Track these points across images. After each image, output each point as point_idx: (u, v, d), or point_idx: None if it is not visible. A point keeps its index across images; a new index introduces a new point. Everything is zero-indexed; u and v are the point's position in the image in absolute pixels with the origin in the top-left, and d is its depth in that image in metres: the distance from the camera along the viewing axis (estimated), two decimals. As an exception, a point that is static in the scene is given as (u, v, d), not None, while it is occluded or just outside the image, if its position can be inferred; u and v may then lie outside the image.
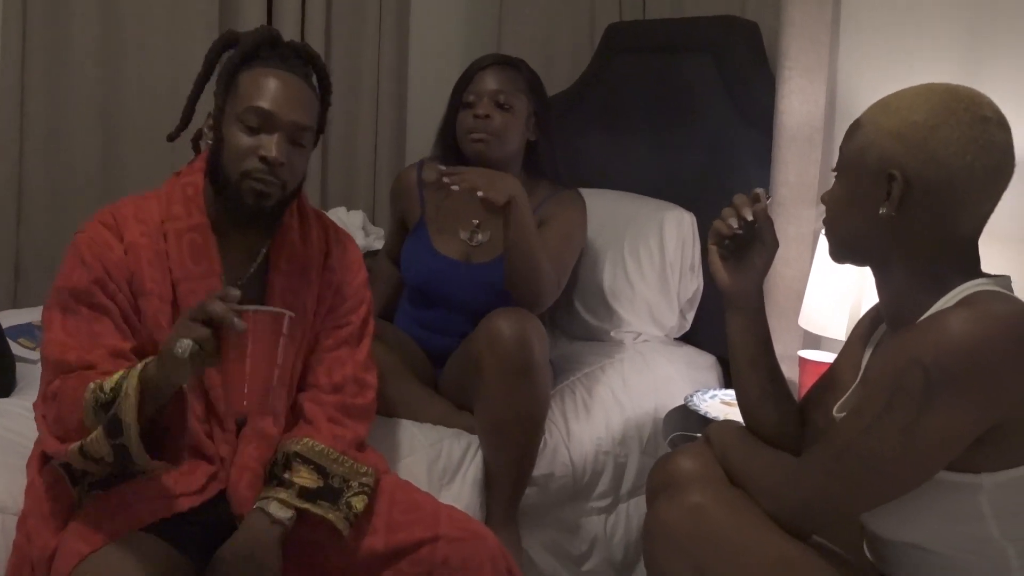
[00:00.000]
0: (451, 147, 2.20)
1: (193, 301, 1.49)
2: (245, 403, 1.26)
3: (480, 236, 2.15)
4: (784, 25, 2.16)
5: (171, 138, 1.61)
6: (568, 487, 2.13)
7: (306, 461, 1.51)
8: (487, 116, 2.10)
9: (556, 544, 2.13)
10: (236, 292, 1.27)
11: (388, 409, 1.97)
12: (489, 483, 1.98)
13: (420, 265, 2.19)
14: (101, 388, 1.33)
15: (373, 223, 3.21)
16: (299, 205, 1.66)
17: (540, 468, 2.04)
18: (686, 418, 2.09)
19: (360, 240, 2.90)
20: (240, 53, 1.54)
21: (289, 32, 3.00)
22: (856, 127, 1.30)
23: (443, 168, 2.02)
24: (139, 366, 1.32)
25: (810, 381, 1.91)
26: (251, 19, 2.93)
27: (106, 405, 1.32)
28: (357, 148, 3.25)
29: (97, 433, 1.31)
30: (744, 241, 1.47)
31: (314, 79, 1.61)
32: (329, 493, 1.50)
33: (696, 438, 1.94)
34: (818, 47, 2.14)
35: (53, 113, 2.73)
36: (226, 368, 1.26)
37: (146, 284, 1.50)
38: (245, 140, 1.49)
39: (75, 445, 1.34)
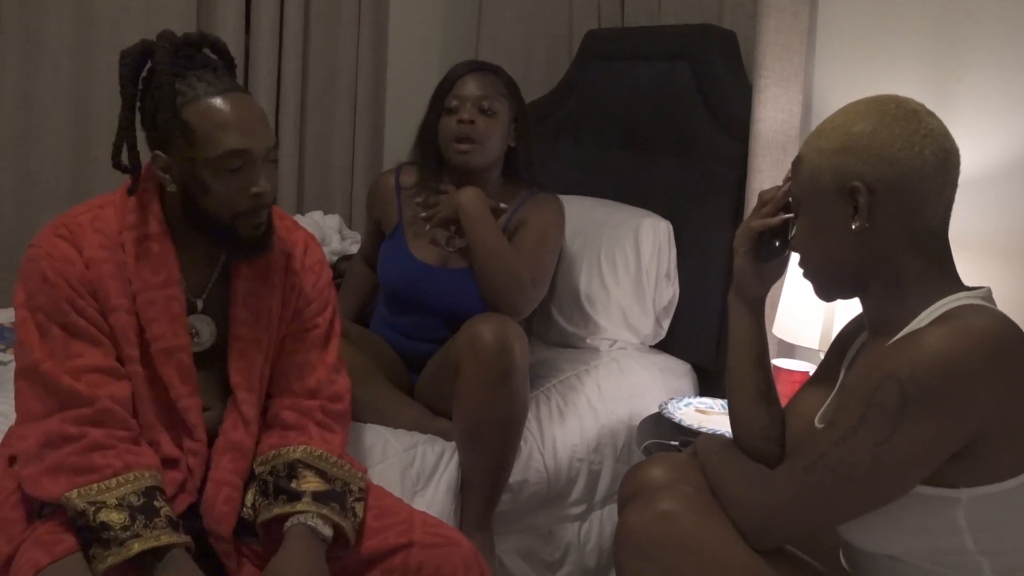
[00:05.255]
0: (432, 153, 2.20)
1: (152, 311, 1.47)
2: None
3: (457, 241, 2.15)
4: (760, 34, 2.17)
5: (131, 192, 1.49)
6: (542, 494, 2.12)
7: (308, 467, 1.49)
8: (472, 122, 2.10)
9: (529, 550, 2.12)
10: None
11: (361, 414, 1.96)
12: (464, 488, 1.97)
13: (397, 270, 2.18)
14: (91, 516, 1.32)
15: (350, 227, 3.19)
16: None
17: (514, 475, 2.03)
18: (660, 425, 2.09)
19: (336, 244, 2.88)
20: (163, 84, 1.40)
21: (266, 35, 2.99)
22: (799, 161, 1.31)
23: (419, 201, 2.16)
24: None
25: (784, 389, 1.92)
26: (228, 19, 2.91)
27: (91, 530, 1.32)
28: (334, 151, 3.24)
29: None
30: (765, 242, 1.45)
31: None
32: (335, 498, 1.47)
33: (670, 446, 1.94)
34: (793, 56, 2.16)
35: (25, 113, 2.70)
36: None
37: (111, 299, 1.45)
38: (231, 184, 1.43)
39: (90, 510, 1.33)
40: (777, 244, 1.44)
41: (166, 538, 1.32)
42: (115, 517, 1.31)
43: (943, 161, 1.23)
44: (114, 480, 1.35)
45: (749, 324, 1.48)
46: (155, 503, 1.35)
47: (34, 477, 1.36)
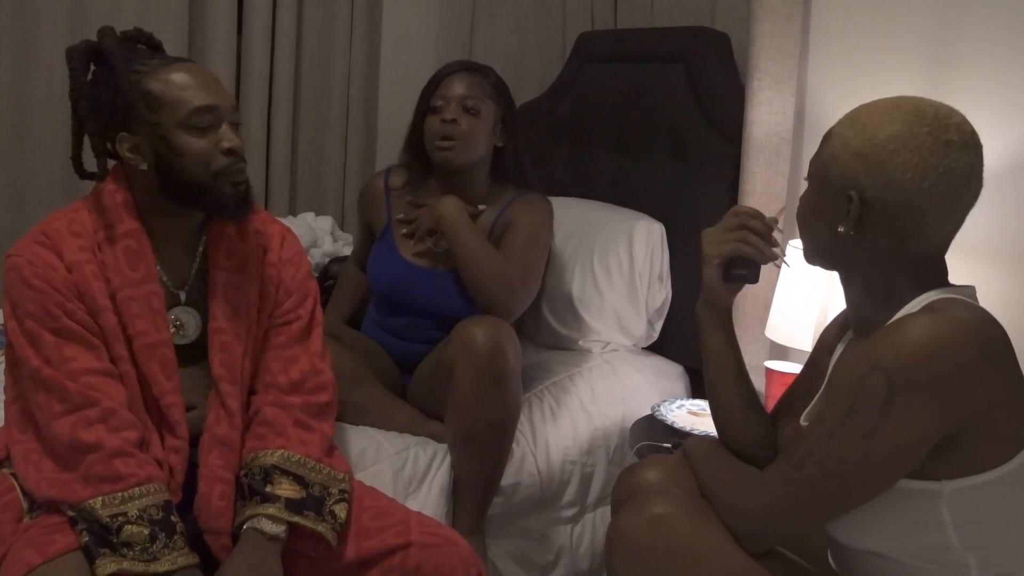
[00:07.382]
0: (418, 154, 2.20)
1: (133, 307, 1.48)
2: None
3: (444, 242, 2.15)
4: (754, 37, 2.18)
5: (100, 178, 1.52)
6: (535, 496, 2.12)
7: (285, 473, 1.48)
8: (454, 120, 2.10)
9: (522, 553, 2.12)
10: None
11: (354, 416, 1.96)
12: (457, 491, 1.97)
13: (386, 271, 2.18)
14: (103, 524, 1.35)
15: (342, 229, 3.19)
16: None
17: (507, 477, 2.03)
18: (653, 428, 2.09)
19: (328, 246, 2.88)
20: (118, 63, 1.48)
21: (259, 37, 2.99)
22: (827, 138, 1.30)
23: (401, 216, 2.18)
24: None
25: (777, 392, 1.92)
26: (221, 22, 2.90)
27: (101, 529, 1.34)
28: (326, 154, 3.24)
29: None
30: (737, 263, 1.45)
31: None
32: (312, 503, 1.47)
33: (663, 448, 1.94)
34: (787, 59, 2.16)
35: (18, 112, 2.69)
36: None
37: (98, 300, 1.46)
38: (203, 142, 1.47)
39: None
40: (747, 272, 1.44)
41: (183, 560, 1.36)
42: (136, 533, 1.34)
43: (951, 202, 1.21)
44: (137, 490, 1.37)
45: (722, 335, 1.47)
46: (172, 518, 1.38)
47: (64, 482, 1.38)
